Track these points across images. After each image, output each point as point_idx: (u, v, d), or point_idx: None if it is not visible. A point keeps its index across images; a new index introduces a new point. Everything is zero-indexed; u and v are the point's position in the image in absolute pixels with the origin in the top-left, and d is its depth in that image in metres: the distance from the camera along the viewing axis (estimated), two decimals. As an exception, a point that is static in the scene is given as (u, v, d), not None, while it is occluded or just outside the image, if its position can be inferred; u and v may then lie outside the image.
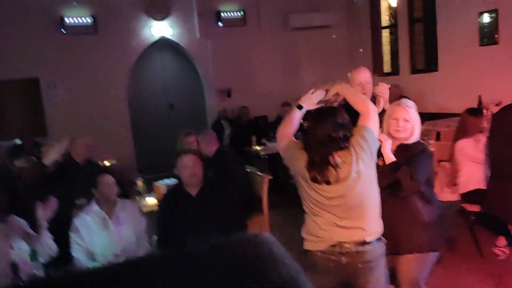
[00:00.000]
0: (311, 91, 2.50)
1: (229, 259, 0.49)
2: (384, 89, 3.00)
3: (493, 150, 3.59)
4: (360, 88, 3.14)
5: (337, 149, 2.17)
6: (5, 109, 7.35)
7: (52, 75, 7.40)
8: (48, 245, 2.66)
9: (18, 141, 6.90)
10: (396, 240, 2.45)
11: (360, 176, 2.17)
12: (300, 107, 2.47)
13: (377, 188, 2.29)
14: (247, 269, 0.47)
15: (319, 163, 2.17)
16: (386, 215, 2.40)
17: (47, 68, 7.34)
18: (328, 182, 2.17)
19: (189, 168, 3.07)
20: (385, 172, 2.41)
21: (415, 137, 2.58)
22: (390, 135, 2.56)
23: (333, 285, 2.29)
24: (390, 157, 2.47)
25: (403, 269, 2.54)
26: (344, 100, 2.50)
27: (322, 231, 2.25)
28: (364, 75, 3.18)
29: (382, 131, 2.54)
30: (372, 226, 2.25)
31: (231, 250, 0.52)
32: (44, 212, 2.65)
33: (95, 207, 3.04)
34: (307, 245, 2.32)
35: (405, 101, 2.64)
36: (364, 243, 2.22)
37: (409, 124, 2.55)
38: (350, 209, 2.21)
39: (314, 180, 2.18)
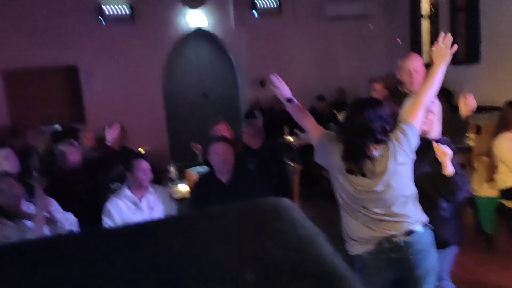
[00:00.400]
0: None
1: (247, 219, 0.49)
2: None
3: None
4: (408, 76, 3.06)
5: (374, 141, 2.12)
6: (46, 95, 7.60)
7: (91, 63, 7.60)
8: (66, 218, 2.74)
9: (58, 127, 7.17)
10: None
11: (396, 172, 2.12)
12: (290, 100, 2.49)
13: (412, 185, 2.22)
14: (265, 228, 0.47)
15: (355, 154, 2.12)
16: None
17: (86, 56, 7.54)
18: (363, 174, 2.12)
19: (220, 155, 3.09)
20: (435, 180, 2.35)
21: (436, 131, 2.46)
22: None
23: (387, 284, 2.23)
24: (450, 170, 2.33)
25: None
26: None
27: (366, 229, 2.17)
28: (414, 62, 3.11)
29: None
30: (415, 214, 2.19)
31: (250, 211, 0.51)
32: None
33: (127, 191, 3.11)
34: (354, 249, 2.22)
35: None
36: (410, 232, 2.15)
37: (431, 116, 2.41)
38: (389, 202, 2.15)
39: (350, 171, 2.13)
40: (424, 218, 2.21)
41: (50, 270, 0.41)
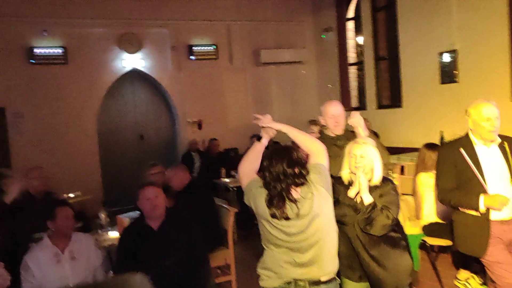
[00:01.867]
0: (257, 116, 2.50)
1: None
2: (357, 117, 3.12)
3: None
4: (333, 120, 3.22)
5: (294, 184, 2.20)
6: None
7: (20, 105, 7.29)
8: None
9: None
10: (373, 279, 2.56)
11: (320, 211, 2.21)
12: (259, 138, 2.49)
13: (335, 226, 2.32)
14: None
15: (277, 199, 2.19)
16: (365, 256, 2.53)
17: (14, 98, 7.24)
18: (287, 218, 2.18)
19: (151, 200, 3.03)
20: (362, 212, 2.49)
21: (376, 175, 2.59)
22: (351, 172, 2.60)
23: None
24: (368, 199, 2.51)
25: None
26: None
27: (279, 267, 2.25)
28: (337, 108, 3.28)
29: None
30: (327, 265, 2.26)
31: None
32: None
33: (47, 241, 2.95)
34: (263, 282, 2.31)
35: (363, 138, 2.73)
36: (318, 282, 2.23)
37: (365, 160, 2.58)
38: (309, 246, 2.22)
39: (274, 216, 2.19)
40: (335, 269, 2.30)
41: None
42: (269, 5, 9.03)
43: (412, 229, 4.14)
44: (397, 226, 2.63)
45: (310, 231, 2.19)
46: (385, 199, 2.54)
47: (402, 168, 5.77)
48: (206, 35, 8.61)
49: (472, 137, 2.96)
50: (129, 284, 0.52)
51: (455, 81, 6.59)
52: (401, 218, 4.16)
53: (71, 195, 6.44)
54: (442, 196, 3.05)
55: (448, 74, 6.68)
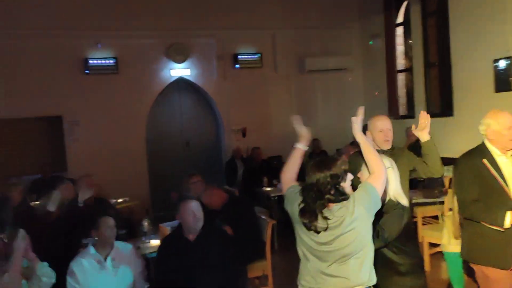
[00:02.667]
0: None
1: None
2: (425, 118, 3.16)
3: None
4: (382, 135, 3.13)
5: (329, 202, 2.20)
6: (30, 145, 7.64)
7: (75, 113, 7.72)
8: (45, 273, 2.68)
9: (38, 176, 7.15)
10: None
11: (354, 229, 2.19)
12: (303, 147, 2.53)
13: (371, 242, 2.28)
14: None
15: (309, 213, 2.20)
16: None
17: (70, 106, 7.67)
18: (316, 231, 2.19)
19: (194, 213, 3.12)
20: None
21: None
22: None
23: None
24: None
25: None
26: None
27: (310, 277, 2.28)
28: (386, 122, 3.20)
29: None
30: (358, 276, 2.23)
31: None
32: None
33: (91, 250, 3.11)
34: None
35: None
36: None
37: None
38: (339, 257, 2.22)
39: (304, 225, 2.23)
40: (367, 280, 2.25)
41: None
42: (314, 12, 8.95)
43: (456, 247, 3.95)
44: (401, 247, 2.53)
45: (340, 244, 2.19)
46: (385, 218, 2.45)
47: (450, 181, 5.53)
48: (251, 44, 8.70)
49: (491, 147, 2.86)
50: None
51: (511, 90, 6.23)
52: (445, 235, 4.00)
53: (120, 200, 6.73)
54: (463, 209, 2.93)
55: (503, 82, 6.32)
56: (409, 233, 2.68)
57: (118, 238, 3.32)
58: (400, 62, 8.68)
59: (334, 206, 2.21)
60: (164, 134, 8.66)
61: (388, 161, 2.54)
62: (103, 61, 7.78)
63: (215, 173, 8.45)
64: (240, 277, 3.26)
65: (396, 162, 2.64)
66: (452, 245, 3.93)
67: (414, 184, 5.47)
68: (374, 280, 2.28)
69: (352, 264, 2.21)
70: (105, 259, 3.10)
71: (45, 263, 2.75)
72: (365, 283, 2.25)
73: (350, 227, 2.18)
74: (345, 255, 2.21)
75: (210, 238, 3.17)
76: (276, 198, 6.25)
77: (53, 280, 2.71)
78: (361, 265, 2.24)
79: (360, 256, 2.23)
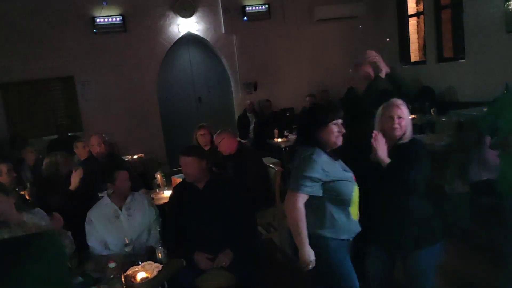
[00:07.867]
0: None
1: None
2: (373, 54, 3.23)
3: None
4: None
5: None
6: (43, 106, 7.83)
7: (86, 73, 7.82)
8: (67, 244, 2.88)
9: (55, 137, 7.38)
10: (393, 238, 2.54)
11: None
12: None
13: None
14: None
15: None
16: (380, 215, 2.55)
17: (81, 66, 7.77)
18: None
19: (183, 168, 3.24)
20: (386, 174, 2.48)
21: (408, 134, 2.57)
22: (385, 133, 2.57)
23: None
24: (385, 160, 2.50)
25: (408, 265, 2.59)
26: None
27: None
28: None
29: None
30: None
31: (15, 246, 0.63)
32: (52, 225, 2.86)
33: (106, 200, 3.29)
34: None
35: (395, 99, 2.65)
36: None
37: (403, 122, 2.56)
38: None
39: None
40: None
41: None
42: (322, -42, 8.68)
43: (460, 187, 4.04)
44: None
45: None
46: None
47: (460, 124, 5.50)
48: (258, -6, 8.54)
49: None
50: (39, 240, 0.64)
51: (523, 29, 6.07)
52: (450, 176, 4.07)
53: (135, 156, 6.95)
54: None
55: (516, 22, 6.15)
56: None
57: (133, 189, 3.50)
58: (412, 6, 8.44)
59: None
60: (176, 91, 8.73)
61: None
62: (110, 19, 7.77)
63: (228, 127, 8.54)
64: (249, 225, 3.39)
65: None
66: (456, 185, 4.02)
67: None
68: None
69: None
70: (121, 208, 3.29)
71: (68, 232, 2.93)
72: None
73: None
74: None
75: (218, 185, 3.30)
76: (287, 148, 6.36)
77: (73, 250, 2.91)
78: None
79: None
